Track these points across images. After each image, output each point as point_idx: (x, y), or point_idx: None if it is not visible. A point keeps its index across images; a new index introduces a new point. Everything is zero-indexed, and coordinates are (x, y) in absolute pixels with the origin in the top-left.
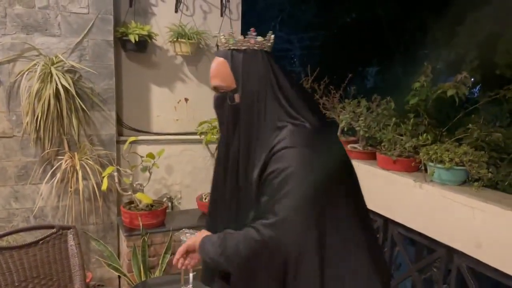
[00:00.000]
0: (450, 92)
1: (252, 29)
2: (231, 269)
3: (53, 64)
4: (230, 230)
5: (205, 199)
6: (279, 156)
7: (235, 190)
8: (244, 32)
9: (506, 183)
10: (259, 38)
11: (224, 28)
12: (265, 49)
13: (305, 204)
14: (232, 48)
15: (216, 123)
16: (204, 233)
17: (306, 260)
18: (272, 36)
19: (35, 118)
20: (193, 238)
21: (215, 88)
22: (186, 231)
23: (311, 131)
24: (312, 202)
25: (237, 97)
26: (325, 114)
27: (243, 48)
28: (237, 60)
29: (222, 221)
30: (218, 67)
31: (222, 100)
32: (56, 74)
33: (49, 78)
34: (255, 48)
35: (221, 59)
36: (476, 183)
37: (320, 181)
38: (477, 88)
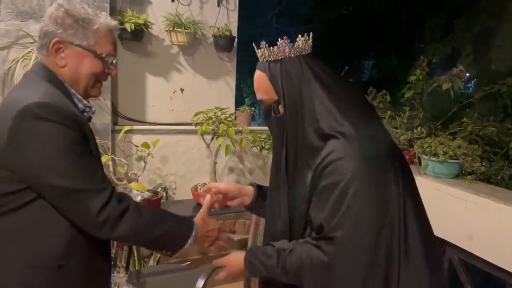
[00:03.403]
0: (445, 86)
1: (285, 37)
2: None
3: None
4: (281, 244)
5: (200, 189)
6: (331, 169)
7: (285, 198)
8: (241, 23)
9: (498, 177)
10: (296, 44)
11: (221, 18)
12: (303, 53)
13: (366, 219)
14: (268, 60)
15: (211, 114)
16: (239, 254)
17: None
18: (308, 38)
19: None
20: (234, 258)
21: (261, 101)
22: None
23: (360, 139)
24: (374, 217)
25: (281, 108)
26: (377, 115)
27: (280, 58)
28: (275, 71)
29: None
30: (258, 80)
31: (268, 113)
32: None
33: None
34: (292, 55)
35: (260, 72)
36: (469, 177)
37: (379, 193)
38: (472, 83)
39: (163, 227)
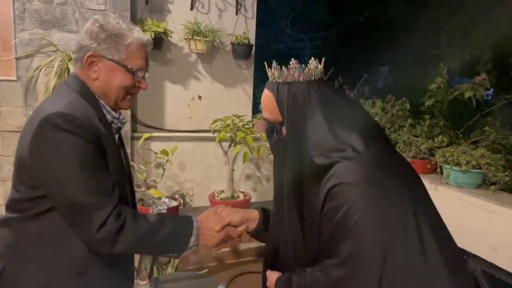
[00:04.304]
0: (467, 94)
1: (295, 61)
2: None
3: (70, 60)
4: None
5: (218, 196)
6: (334, 193)
7: (292, 216)
8: (258, 30)
9: None
10: (306, 69)
11: (239, 26)
12: (313, 78)
13: (369, 240)
14: (278, 81)
15: (229, 121)
16: (275, 274)
17: None
18: (319, 63)
19: None
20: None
21: (266, 119)
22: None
23: (362, 163)
24: (376, 238)
25: (284, 130)
26: (384, 135)
27: (288, 81)
28: (282, 94)
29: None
30: (266, 100)
31: (271, 132)
32: (73, 70)
33: (66, 73)
34: (301, 80)
35: (268, 92)
36: (492, 187)
37: (380, 214)
38: (490, 90)
39: (162, 233)
